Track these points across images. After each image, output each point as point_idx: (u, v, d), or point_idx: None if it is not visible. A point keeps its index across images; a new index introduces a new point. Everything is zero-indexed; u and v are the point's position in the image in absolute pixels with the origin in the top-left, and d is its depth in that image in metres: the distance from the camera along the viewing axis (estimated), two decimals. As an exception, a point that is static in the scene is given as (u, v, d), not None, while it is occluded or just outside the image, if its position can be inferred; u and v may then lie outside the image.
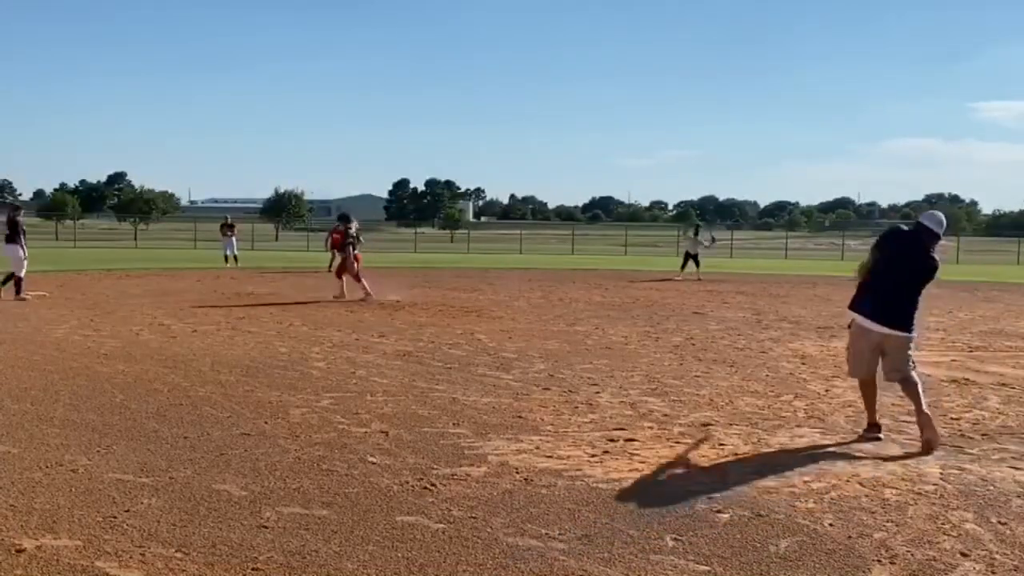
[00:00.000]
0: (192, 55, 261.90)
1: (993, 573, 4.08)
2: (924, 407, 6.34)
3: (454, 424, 6.78)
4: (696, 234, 27.55)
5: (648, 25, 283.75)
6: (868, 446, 6.31)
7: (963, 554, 4.27)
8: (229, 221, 30.54)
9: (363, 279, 16.96)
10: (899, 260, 6.49)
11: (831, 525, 4.65)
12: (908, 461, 5.93)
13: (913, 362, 6.58)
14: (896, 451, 6.21)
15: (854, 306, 6.67)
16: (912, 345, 6.55)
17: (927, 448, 6.16)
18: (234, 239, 29.96)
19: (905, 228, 6.73)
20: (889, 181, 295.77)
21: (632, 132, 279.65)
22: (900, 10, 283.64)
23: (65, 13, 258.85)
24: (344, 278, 17.07)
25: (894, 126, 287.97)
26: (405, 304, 16.20)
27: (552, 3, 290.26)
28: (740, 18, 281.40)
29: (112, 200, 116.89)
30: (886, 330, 6.46)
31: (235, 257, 29.45)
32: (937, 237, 6.49)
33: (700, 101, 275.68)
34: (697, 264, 26.27)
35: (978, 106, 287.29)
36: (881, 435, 6.52)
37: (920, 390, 6.42)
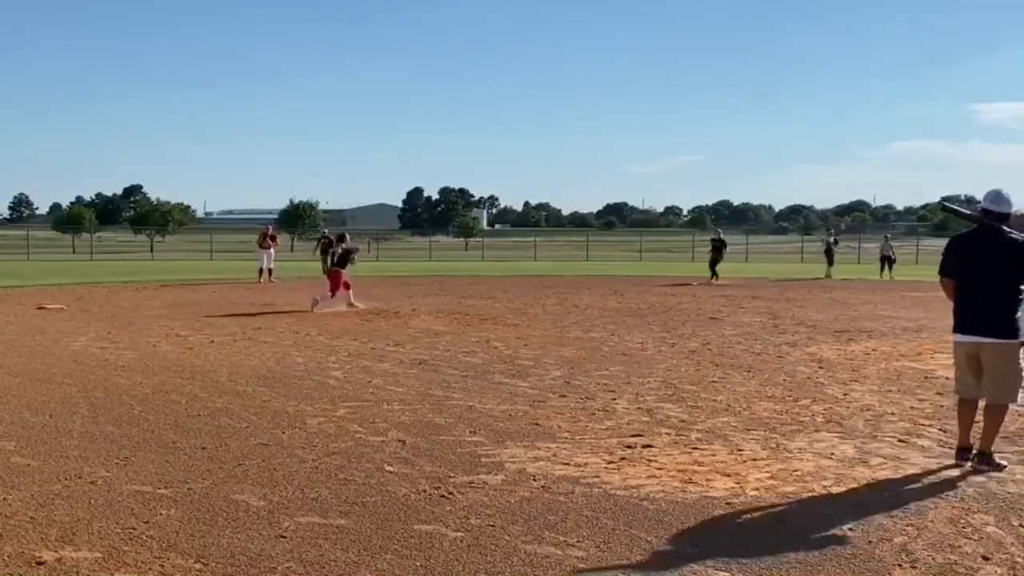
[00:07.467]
0: (206, 69, 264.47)
1: (1016, 577, 4.05)
2: (992, 442, 5.69)
3: (471, 432, 6.77)
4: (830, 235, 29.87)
5: (654, 32, 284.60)
6: (888, 449, 6.26)
7: (984, 557, 4.24)
8: (271, 232, 27.03)
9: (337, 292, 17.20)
10: (976, 264, 5.65)
11: (851, 529, 4.62)
12: (928, 464, 5.88)
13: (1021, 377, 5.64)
14: (916, 455, 6.16)
15: (954, 328, 5.85)
16: (1022, 355, 5.60)
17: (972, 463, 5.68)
18: (272, 251, 26.39)
19: (966, 230, 5.96)
20: (898, 184, 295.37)
21: (640, 138, 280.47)
22: (900, 13, 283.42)
23: (79, 28, 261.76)
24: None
25: (899, 129, 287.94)
26: (421, 312, 16.23)
27: (561, 12, 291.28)
28: (742, 24, 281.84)
29: (128, 213, 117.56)
30: (978, 339, 5.62)
31: (270, 271, 26.00)
32: (1006, 216, 5.63)
33: (705, 106, 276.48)
34: (831, 263, 28.32)
35: (981, 108, 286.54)
36: (968, 462, 5.75)
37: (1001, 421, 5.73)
